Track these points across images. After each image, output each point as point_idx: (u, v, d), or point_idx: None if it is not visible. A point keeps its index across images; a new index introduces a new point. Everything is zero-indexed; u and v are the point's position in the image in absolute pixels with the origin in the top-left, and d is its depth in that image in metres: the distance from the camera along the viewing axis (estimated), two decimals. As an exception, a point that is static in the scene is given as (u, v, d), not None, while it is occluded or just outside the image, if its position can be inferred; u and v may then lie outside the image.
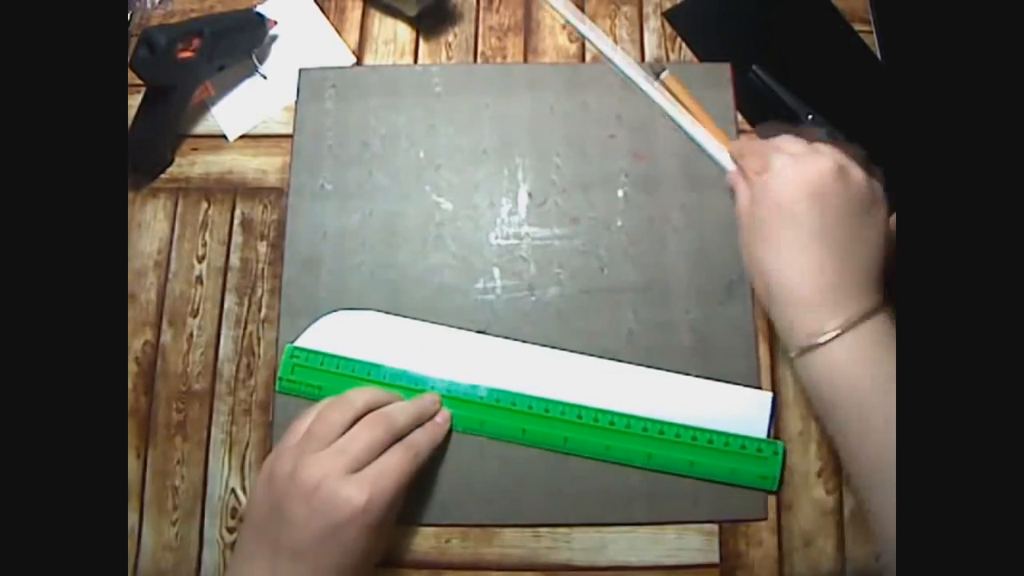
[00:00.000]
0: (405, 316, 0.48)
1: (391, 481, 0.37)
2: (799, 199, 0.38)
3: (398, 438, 0.40)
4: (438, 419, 0.44)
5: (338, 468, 0.36)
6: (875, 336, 0.37)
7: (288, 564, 0.35)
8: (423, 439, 0.41)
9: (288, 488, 0.36)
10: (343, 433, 0.39)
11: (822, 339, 0.37)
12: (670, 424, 0.44)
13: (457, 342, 0.47)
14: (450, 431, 0.44)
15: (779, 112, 0.52)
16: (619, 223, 0.50)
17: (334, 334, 0.47)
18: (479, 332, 0.47)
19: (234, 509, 0.45)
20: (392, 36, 0.55)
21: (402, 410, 0.41)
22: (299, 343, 0.47)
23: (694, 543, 0.44)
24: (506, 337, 0.47)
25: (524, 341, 0.47)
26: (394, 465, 0.38)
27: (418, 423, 0.42)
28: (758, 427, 0.45)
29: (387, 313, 0.47)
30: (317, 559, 0.35)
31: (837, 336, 0.36)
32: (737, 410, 0.45)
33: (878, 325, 0.37)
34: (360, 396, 0.41)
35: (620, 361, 0.46)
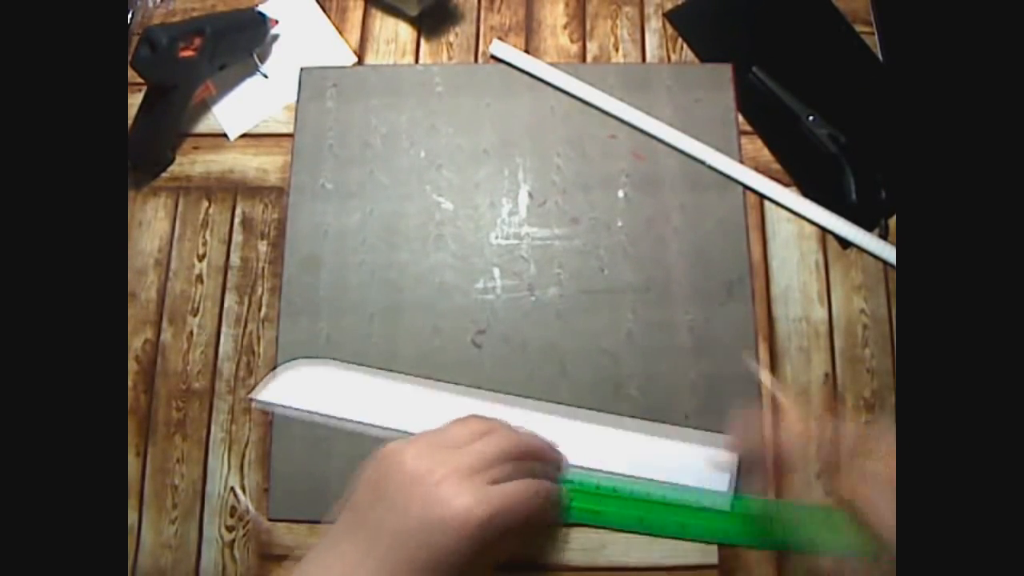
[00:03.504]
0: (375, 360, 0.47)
1: (515, 503, 0.35)
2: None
3: (524, 458, 0.39)
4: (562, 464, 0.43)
5: (466, 469, 0.35)
6: None
7: (383, 549, 0.34)
8: (547, 482, 0.39)
9: (407, 477, 0.35)
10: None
11: None
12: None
13: (417, 396, 0.46)
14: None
15: (779, 113, 0.52)
16: (619, 223, 0.50)
17: (293, 387, 0.46)
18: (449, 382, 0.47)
19: (233, 507, 0.45)
20: (393, 36, 0.55)
21: (532, 435, 0.41)
22: (260, 396, 0.46)
23: (693, 543, 0.44)
24: (475, 386, 0.47)
25: (473, 386, 0.46)
26: (521, 491, 0.36)
27: (543, 456, 0.41)
28: (720, 482, 0.43)
29: (348, 362, 0.47)
30: (414, 551, 0.34)
31: None
32: (701, 466, 0.44)
33: None
34: (501, 420, 0.41)
35: (617, 360, 0.47)
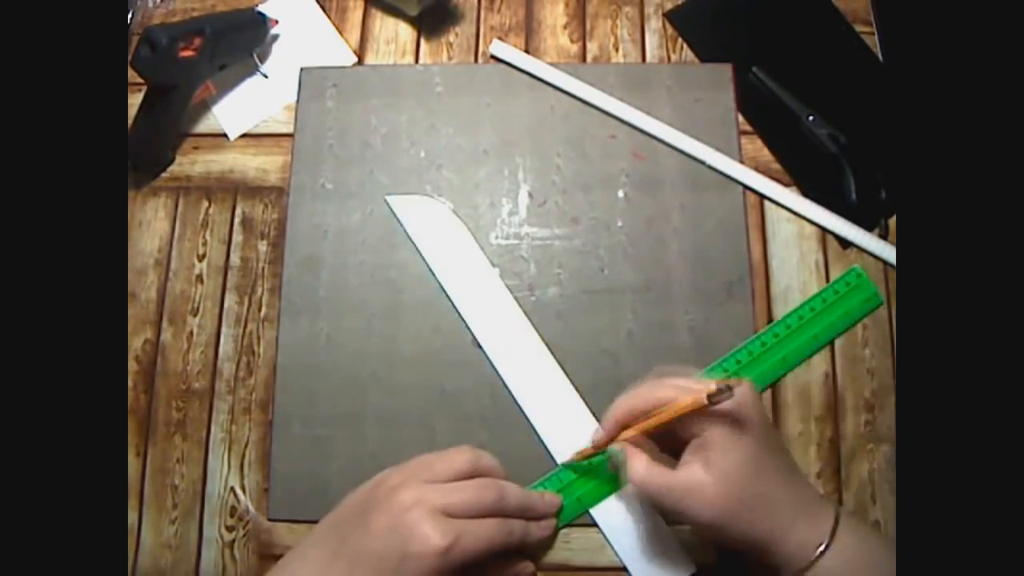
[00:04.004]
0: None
1: (477, 542, 0.36)
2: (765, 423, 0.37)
3: (499, 515, 0.39)
4: (543, 522, 0.42)
5: (435, 504, 0.36)
6: (857, 531, 0.36)
7: (345, 563, 0.35)
8: (519, 528, 0.39)
9: (382, 499, 0.37)
10: (458, 479, 0.39)
11: (817, 552, 0.35)
12: None
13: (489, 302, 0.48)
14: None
15: (779, 113, 0.52)
16: (619, 223, 0.50)
17: (420, 213, 0.49)
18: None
19: (232, 507, 0.45)
20: (393, 36, 0.55)
21: (516, 493, 0.40)
22: (394, 202, 0.49)
23: (693, 544, 0.44)
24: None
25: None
26: (486, 531, 0.37)
27: (525, 515, 0.41)
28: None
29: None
30: (372, 570, 0.35)
31: (828, 545, 0.35)
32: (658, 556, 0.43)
33: (850, 522, 0.36)
34: (490, 460, 0.41)
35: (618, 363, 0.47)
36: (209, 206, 0.51)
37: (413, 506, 0.36)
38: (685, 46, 0.54)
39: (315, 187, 0.51)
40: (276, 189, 0.51)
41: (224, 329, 0.48)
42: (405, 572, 0.35)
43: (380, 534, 0.35)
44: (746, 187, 0.50)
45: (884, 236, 0.49)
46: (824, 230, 0.50)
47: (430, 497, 0.36)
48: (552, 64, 0.53)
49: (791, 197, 0.50)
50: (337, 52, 0.55)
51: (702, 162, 0.50)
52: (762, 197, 0.50)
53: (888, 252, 0.49)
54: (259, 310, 0.49)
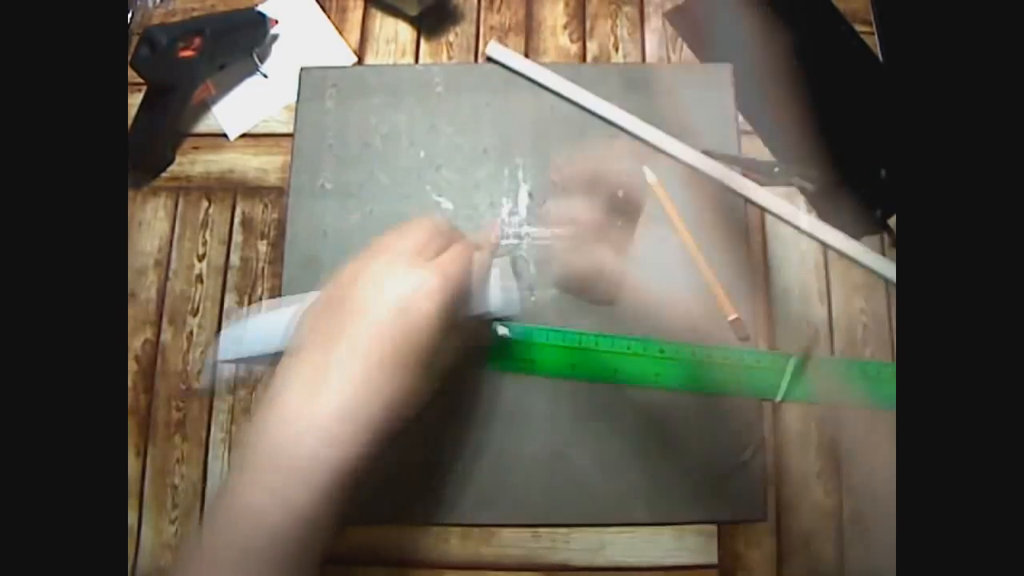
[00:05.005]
0: None
1: (459, 268, 0.35)
2: None
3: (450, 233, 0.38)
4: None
5: (405, 253, 0.35)
6: None
7: (342, 354, 0.31)
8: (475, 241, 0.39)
9: (355, 279, 0.34)
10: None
11: None
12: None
13: None
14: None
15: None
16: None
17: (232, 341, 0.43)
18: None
19: (233, 508, 0.45)
20: (393, 35, 0.55)
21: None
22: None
23: (693, 544, 0.44)
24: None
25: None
26: (457, 255, 0.36)
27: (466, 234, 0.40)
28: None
29: None
30: (379, 346, 0.32)
31: None
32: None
33: None
34: (447, 224, 0.39)
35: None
36: (209, 206, 0.51)
37: (390, 264, 0.34)
38: (685, 46, 0.54)
39: (315, 187, 0.51)
40: (276, 189, 0.51)
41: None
42: (412, 324, 0.32)
43: (369, 305, 0.33)
44: (746, 200, 0.50)
45: (885, 222, 0.49)
46: (822, 224, 0.50)
47: (399, 250, 0.35)
48: (551, 64, 0.53)
49: (789, 210, 0.50)
50: (337, 52, 0.55)
51: (696, 168, 0.50)
52: (763, 210, 0.50)
53: (888, 270, 0.48)
54: (259, 310, 0.49)
